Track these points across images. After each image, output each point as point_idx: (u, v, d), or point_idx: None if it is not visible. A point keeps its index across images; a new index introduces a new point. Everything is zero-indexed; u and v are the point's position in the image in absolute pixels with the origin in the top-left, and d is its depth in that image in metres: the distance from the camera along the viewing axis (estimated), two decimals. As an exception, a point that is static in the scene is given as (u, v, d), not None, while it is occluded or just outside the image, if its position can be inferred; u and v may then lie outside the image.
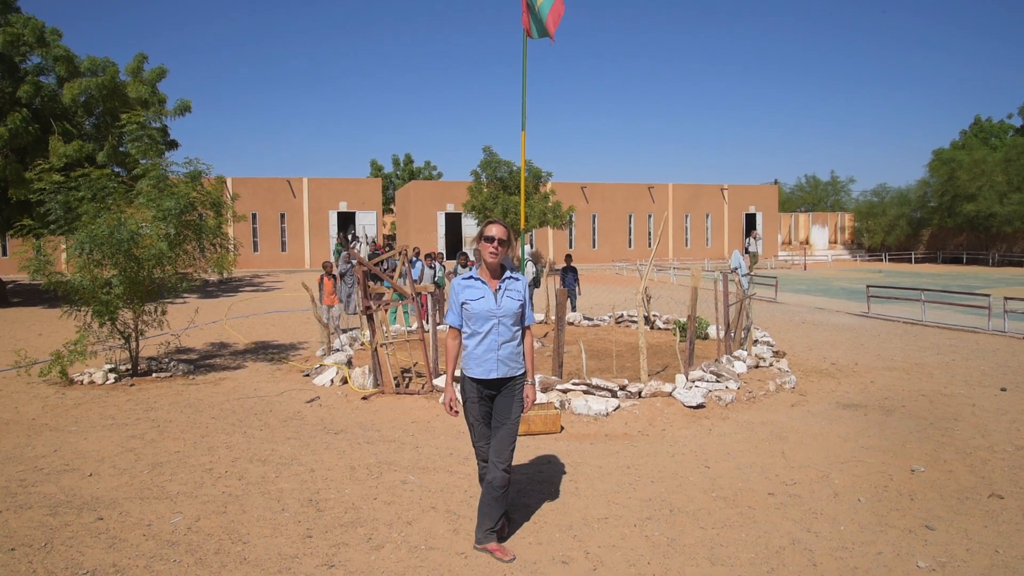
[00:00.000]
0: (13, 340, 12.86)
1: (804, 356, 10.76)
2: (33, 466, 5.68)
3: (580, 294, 15.83)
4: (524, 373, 4.14)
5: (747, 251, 33.27)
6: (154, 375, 9.43)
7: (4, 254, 32.15)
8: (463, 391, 4.13)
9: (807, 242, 49.03)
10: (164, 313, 9.94)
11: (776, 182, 56.30)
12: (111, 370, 9.25)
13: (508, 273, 4.11)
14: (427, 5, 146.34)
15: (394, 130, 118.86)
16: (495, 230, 4.03)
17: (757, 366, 9.11)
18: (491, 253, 4.02)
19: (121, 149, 19.74)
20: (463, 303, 4.03)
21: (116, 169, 19.11)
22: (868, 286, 17.08)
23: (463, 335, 4.10)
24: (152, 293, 9.58)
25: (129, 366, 9.51)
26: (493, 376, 4.02)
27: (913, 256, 44.96)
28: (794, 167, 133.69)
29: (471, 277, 4.08)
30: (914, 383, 8.80)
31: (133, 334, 9.50)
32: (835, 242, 50.62)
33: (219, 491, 5.06)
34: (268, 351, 11.68)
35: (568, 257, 15.70)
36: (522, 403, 4.12)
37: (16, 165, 17.45)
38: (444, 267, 16.01)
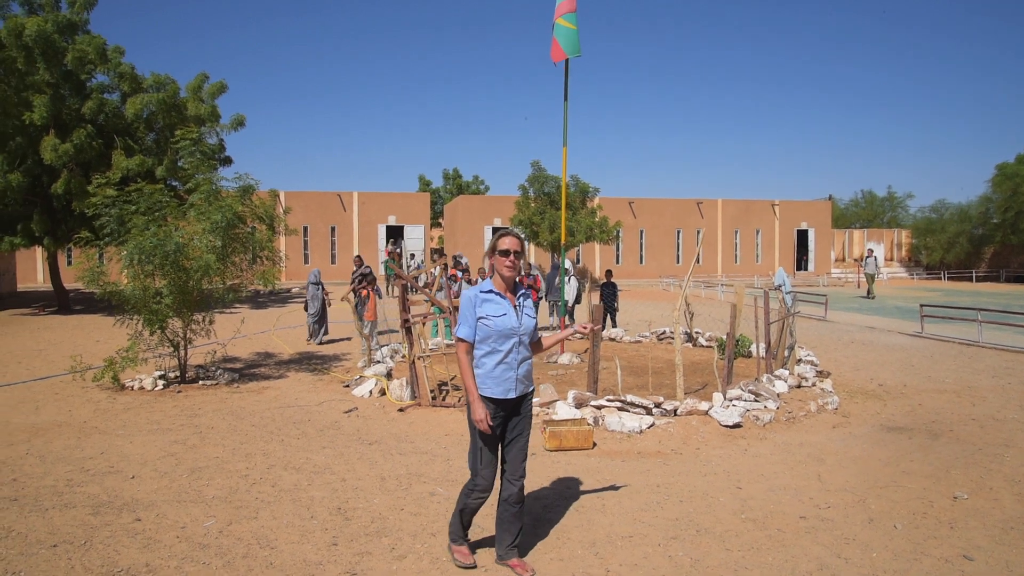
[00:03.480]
0: (73, 346, 13.41)
1: (850, 376, 10.47)
2: (80, 467, 5.92)
3: (619, 309, 15.73)
4: (533, 389, 4.10)
5: (865, 272, 28.96)
6: (201, 383, 9.71)
7: (69, 264, 33.54)
8: (475, 414, 3.84)
9: (862, 259, 47.73)
10: (212, 323, 10.25)
11: (831, 198, 55.10)
12: (160, 377, 9.57)
13: (521, 288, 4.06)
14: (477, 21, 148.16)
15: (443, 144, 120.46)
16: (511, 242, 3.89)
17: (799, 386, 8.91)
18: (508, 267, 3.88)
19: (179, 163, 20.48)
20: (480, 318, 3.83)
21: (173, 183, 19.82)
22: (921, 305, 16.54)
23: (477, 352, 3.89)
24: (201, 303, 9.89)
25: (177, 373, 9.82)
26: (512, 396, 3.89)
27: (974, 275, 43.32)
28: (850, 182, 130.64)
29: (490, 291, 3.89)
30: (965, 407, 8.48)
31: (182, 342, 9.82)
32: (891, 259, 49.17)
33: (252, 497, 5.19)
34: (312, 361, 11.91)
35: (608, 273, 15.63)
36: (531, 418, 4.07)
37: (80, 179, 18.25)
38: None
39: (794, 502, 5.19)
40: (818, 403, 8.22)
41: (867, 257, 28.72)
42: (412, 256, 31.77)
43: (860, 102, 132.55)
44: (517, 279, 3.98)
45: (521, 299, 3.99)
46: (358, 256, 15.57)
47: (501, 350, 3.86)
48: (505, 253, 3.88)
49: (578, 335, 4.30)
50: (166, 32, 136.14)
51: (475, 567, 3.98)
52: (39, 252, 35.42)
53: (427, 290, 9.46)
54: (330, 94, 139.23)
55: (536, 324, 4.07)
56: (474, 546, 4.26)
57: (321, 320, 14.25)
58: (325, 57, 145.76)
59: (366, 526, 4.64)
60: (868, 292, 28.25)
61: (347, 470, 5.86)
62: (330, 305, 14.59)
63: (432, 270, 15.14)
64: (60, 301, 21.38)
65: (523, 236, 4.20)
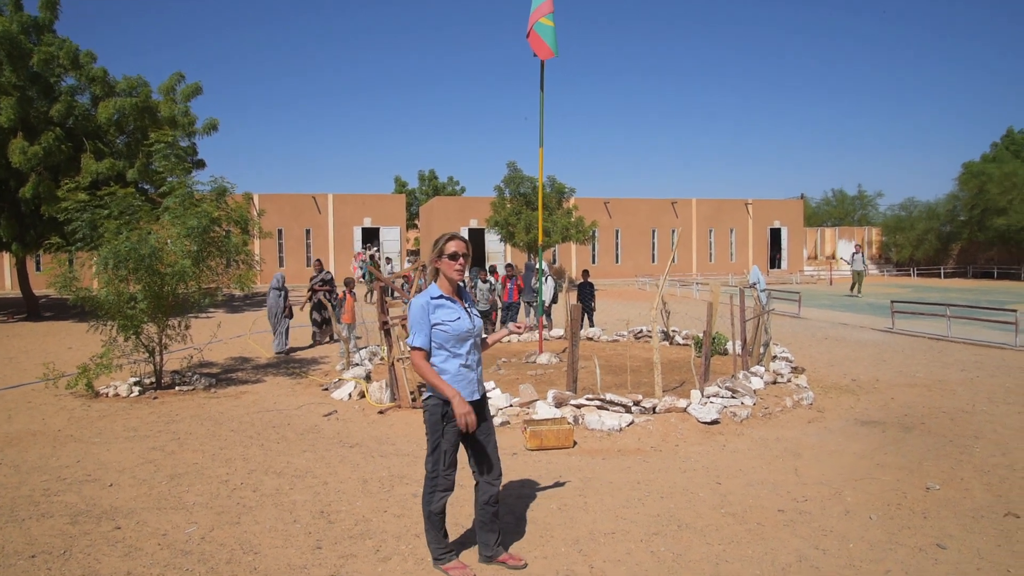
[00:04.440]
0: (44, 353, 13.17)
1: (824, 372, 10.65)
2: (57, 476, 5.83)
3: (595, 309, 15.83)
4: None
5: (852, 269, 27.41)
6: (177, 388, 9.61)
7: (38, 269, 32.91)
8: (442, 417, 3.83)
9: (833, 257, 48.47)
10: (188, 327, 10.14)
11: (802, 196, 55.89)
12: (135, 383, 9.46)
13: (465, 291, 4.06)
14: (451, 22, 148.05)
15: (418, 146, 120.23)
16: (458, 246, 3.87)
17: (775, 382, 9.05)
18: (457, 271, 3.86)
19: (151, 167, 20.20)
20: (436, 324, 3.81)
21: (145, 187, 19.55)
22: (892, 301, 16.86)
23: (435, 359, 3.86)
24: (176, 308, 9.78)
25: (153, 379, 9.71)
26: (476, 397, 3.91)
27: (942, 271, 44.21)
28: (821, 181, 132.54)
29: (441, 296, 3.86)
30: (935, 400, 8.67)
31: (157, 348, 9.70)
32: (862, 257, 49.93)
33: (234, 502, 5.16)
34: (289, 365, 11.83)
35: (585, 273, 15.72)
36: (491, 418, 4.07)
37: (49, 183, 17.93)
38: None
39: (772, 496, 5.29)
40: (793, 399, 8.36)
41: (854, 253, 27.73)
42: (388, 261, 31.69)
43: (831, 101, 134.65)
44: (490, 279, 3.99)
45: (467, 301, 4.01)
46: (318, 260, 15.19)
47: (460, 353, 3.87)
48: (454, 257, 3.85)
49: (513, 336, 4.30)
50: (137, 33, 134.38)
51: None
52: (6, 258, 34.74)
53: (406, 292, 9.46)
54: (303, 96, 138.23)
55: (482, 324, 4.09)
56: (460, 544, 4.27)
57: (281, 327, 13.21)
58: (298, 59, 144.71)
59: (349, 529, 4.64)
60: (853, 288, 27.39)
61: (329, 473, 5.85)
62: (289, 314, 13.34)
63: (410, 273, 15.07)
64: (29, 308, 20.97)
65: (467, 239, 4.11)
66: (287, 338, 13.29)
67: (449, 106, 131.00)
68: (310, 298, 14.29)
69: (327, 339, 14.50)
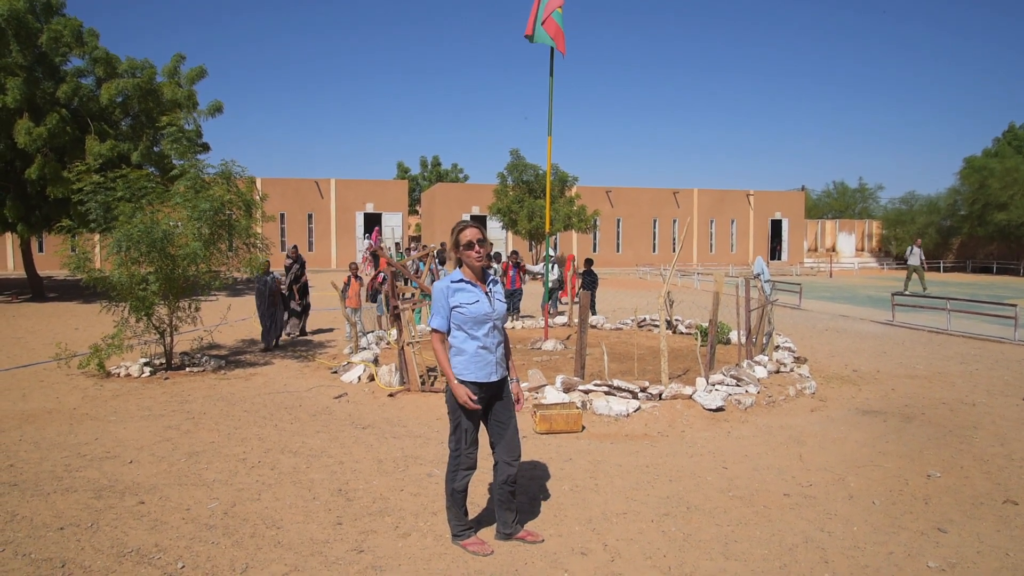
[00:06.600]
0: (52, 333, 13.29)
1: (826, 363, 10.78)
2: (76, 452, 5.96)
3: (595, 300, 15.93)
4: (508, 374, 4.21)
5: (907, 263, 24.89)
6: (187, 369, 9.73)
7: (41, 250, 32.96)
8: (459, 397, 3.94)
9: (833, 249, 48.61)
10: (198, 309, 10.25)
11: (803, 188, 55.96)
12: (146, 364, 9.57)
13: (491, 276, 4.16)
14: (457, 10, 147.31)
15: (422, 133, 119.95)
16: (472, 234, 3.97)
17: (778, 371, 9.17)
18: (476, 257, 3.97)
19: (155, 149, 20.23)
20: (455, 307, 3.95)
21: (150, 169, 19.59)
22: (893, 294, 16.98)
23: (454, 340, 4.00)
24: (186, 290, 9.89)
25: (163, 360, 9.82)
26: (493, 379, 4.00)
27: (942, 265, 44.36)
28: (822, 174, 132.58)
29: (461, 280, 3.99)
30: (935, 391, 8.81)
31: (168, 329, 9.81)
32: (862, 249, 50.11)
33: (253, 479, 5.29)
34: (296, 349, 11.94)
35: (588, 261, 15.82)
36: (513, 402, 4.17)
37: (55, 164, 17.98)
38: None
39: (778, 481, 5.42)
40: (796, 388, 8.49)
41: (912, 247, 25.07)
42: (398, 246, 31.82)
43: (833, 94, 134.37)
44: (495, 266, 4.05)
45: (491, 286, 4.09)
46: (295, 247, 13.79)
47: (478, 335, 3.97)
48: (470, 245, 3.96)
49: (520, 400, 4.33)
50: (142, 18, 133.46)
51: (493, 553, 4.06)
52: (9, 238, 34.77)
53: (417, 277, 9.57)
54: (307, 81, 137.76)
55: (506, 309, 4.19)
56: (477, 522, 4.40)
57: (278, 315, 12.33)
58: (302, 43, 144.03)
59: (368, 506, 4.77)
60: (906, 286, 23.72)
61: (344, 453, 5.98)
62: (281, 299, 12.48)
63: (418, 260, 15.10)
64: (33, 288, 21.08)
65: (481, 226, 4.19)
66: (277, 327, 12.26)
67: (453, 94, 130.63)
68: (294, 278, 13.61)
69: (297, 332, 13.62)
